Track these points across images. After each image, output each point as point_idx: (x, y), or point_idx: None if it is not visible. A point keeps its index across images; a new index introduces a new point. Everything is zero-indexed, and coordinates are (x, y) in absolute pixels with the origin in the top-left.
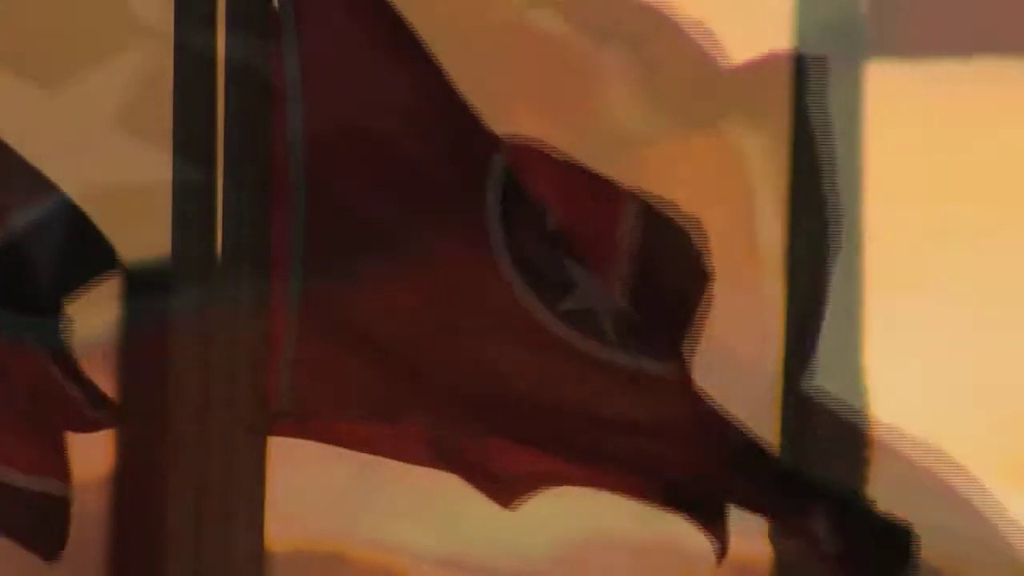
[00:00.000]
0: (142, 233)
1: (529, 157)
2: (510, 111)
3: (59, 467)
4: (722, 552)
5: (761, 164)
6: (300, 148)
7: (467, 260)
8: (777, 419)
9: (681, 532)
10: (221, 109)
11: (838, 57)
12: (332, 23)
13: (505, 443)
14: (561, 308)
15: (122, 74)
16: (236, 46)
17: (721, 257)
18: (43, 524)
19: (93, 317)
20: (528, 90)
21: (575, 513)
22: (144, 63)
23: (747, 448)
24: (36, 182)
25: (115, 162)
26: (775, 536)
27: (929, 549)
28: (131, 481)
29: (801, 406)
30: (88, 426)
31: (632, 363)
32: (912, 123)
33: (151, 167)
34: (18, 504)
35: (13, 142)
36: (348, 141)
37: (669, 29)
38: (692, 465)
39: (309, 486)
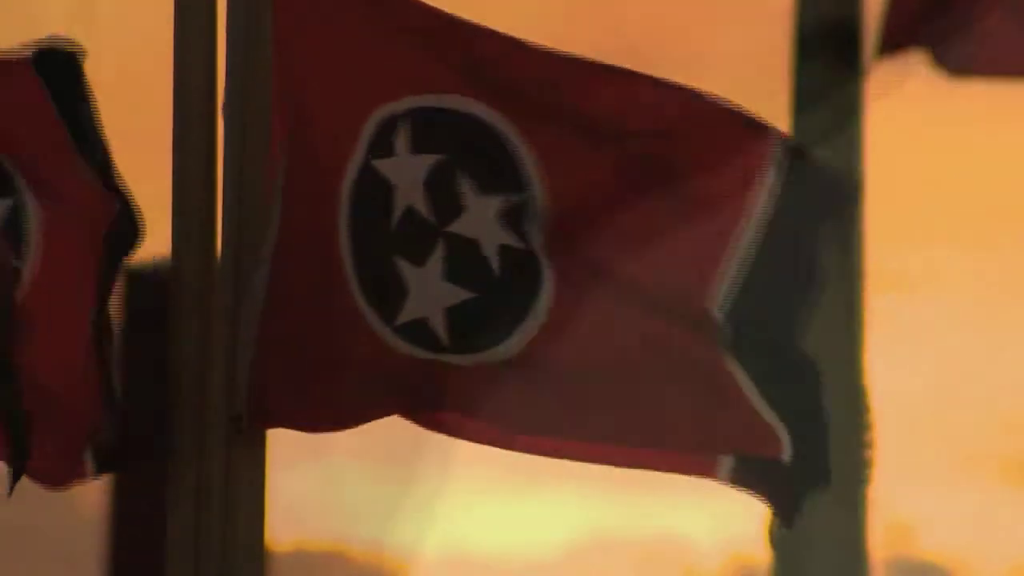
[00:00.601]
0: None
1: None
2: None
3: None
4: None
5: None
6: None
7: (319, 279)
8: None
9: (683, 531)
10: (221, 109)
11: (838, 57)
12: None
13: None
14: (397, 323)
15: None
16: (237, 49)
17: None
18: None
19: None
20: None
21: (577, 513)
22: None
23: None
24: None
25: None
26: (774, 535)
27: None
28: (131, 481)
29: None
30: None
31: (471, 360)
32: (912, 123)
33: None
34: None
35: None
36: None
37: None
38: None
39: (309, 486)
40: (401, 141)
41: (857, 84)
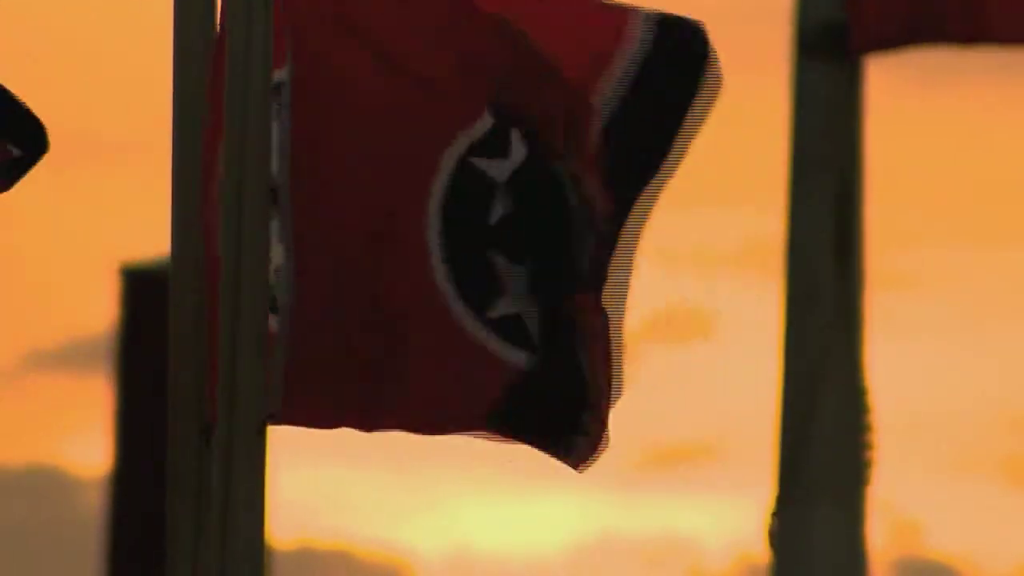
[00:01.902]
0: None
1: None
2: None
3: None
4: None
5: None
6: (285, 153)
7: (403, 265)
8: (778, 416)
9: (686, 532)
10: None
11: (838, 57)
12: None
13: None
14: (491, 315)
15: None
16: (236, 51)
17: (719, 255)
18: None
19: (93, 317)
20: None
21: (581, 512)
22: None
23: None
24: None
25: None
26: (774, 536)
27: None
28: (131, 481)
29: (802, 403)
30: None
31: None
32: (912, 123)
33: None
34: None
35: None
36: (329, 146)
37: None
38: None
39: (312, 485)
40: (516, 144)
41: (857, 84)
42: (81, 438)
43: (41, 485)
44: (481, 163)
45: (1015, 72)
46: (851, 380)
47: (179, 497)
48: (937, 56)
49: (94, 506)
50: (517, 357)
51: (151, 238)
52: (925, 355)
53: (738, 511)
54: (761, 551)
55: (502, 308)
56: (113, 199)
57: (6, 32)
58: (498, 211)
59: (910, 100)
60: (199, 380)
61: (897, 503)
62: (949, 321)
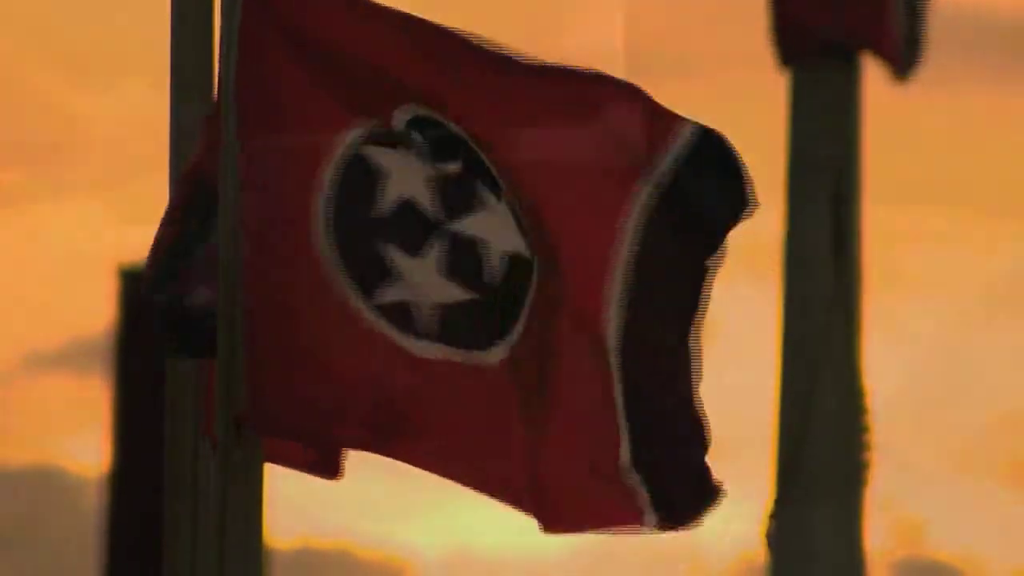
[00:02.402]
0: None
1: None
2: None
3: None
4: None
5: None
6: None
7: (288, 246)
8: (777, 416)
9: (687, 531)
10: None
11: (836, 59)
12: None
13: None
14: (378, 301)
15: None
16: (231, 50)
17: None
18: None
19: (93, 317)
20: None
21: None
22: None
23: None
24: None
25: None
26: (772, 537)
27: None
28: (130, 481)
29: (801, 404)
30: None
31: (451, 355)
32: (911, 123)
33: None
34: None
35: None
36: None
37: None
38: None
39: (312, 484)
40: (415, 142)
41: (855, 85)
42: (81, 438)
43: (41, 485)
44: (373, 152)
45: (1013, 73)
46: (850, 380)
47: (177, 497)
48: (934, 57)
49: (93, 506)
50: (405, 341)
51: (150, 240)
52: (925, 355)
53: (738, 511)
54: (761, 551)
55: (392, 296)
56: (113, 200)
57: (6, 32)
58: (390, 202)
59: (908, 101)
60: (197, 381)
61: (897, 503)
62: (949, 321)
